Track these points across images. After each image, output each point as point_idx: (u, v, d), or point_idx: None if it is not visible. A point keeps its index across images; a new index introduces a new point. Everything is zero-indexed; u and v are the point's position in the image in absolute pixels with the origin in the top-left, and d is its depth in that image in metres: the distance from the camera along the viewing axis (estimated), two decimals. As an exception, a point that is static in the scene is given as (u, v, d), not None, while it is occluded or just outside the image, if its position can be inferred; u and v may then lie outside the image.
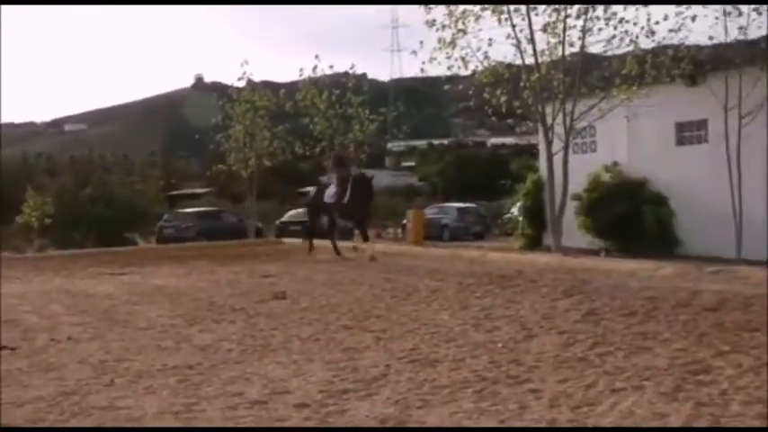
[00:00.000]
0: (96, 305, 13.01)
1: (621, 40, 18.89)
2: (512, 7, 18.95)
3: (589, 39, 19.03)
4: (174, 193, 54.35)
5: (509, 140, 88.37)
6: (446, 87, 24.81)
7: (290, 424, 5.62)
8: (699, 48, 18.46)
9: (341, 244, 20.56)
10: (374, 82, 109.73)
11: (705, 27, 18.20)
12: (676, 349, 7.47)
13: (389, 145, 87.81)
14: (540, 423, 5.43)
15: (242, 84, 31.04)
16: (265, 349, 8.37)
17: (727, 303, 10.01)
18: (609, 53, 19.88)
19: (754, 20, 17.24)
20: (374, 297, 12.07)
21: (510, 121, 20.57)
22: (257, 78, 32.99)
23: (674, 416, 5.47)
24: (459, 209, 37.59)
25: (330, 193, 19.16)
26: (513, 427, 3.00)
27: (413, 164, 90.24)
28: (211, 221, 34.07)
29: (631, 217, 19.90)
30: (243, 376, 7.15)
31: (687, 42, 18.38)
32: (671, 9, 18.16)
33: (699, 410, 5.55)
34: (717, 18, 17.47)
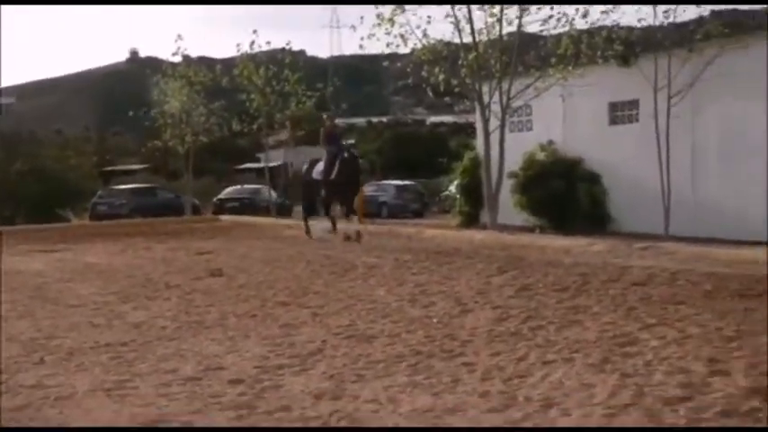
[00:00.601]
0: (26, 283, 12.82)
1: (558, 20, 19.16)
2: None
3: (526, 18, 19.26)
4: (109, 169, 53.65)
5: (447, 119, 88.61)
6: (385, 64, 24.72)
7: (225, 400, 5.63)
8: (630, 29, 18.75)
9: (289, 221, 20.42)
10: (313, 59, 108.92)
11: (635, 9, 18.61)
12: (605, 323, 7.63)
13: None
14: (472, 395, 5.53)
15: (177, 59, 30.73)
16: (200, 326, 8.35)
17: (655, 278, 10.22)
18: (545, 33, 20.14)
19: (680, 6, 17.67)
20: (312, 273, 12.07)
21: (448, 99, 20.63)
22: (194, 54, 32.74)
23: (600, 386, 5.59)
24: (398, 186, 37.65)
25: (318, 170, 18.11)
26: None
27: (352, 141, 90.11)
28: (146, 198, 33.77)
29: (566, 195, 20.18)
30: (177, 353, 7.13)
31: (620, 24, 18.72)
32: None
33: (624, 381, 5.69)
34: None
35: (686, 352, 6.41)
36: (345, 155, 17.44)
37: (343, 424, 5.03)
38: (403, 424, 4.98)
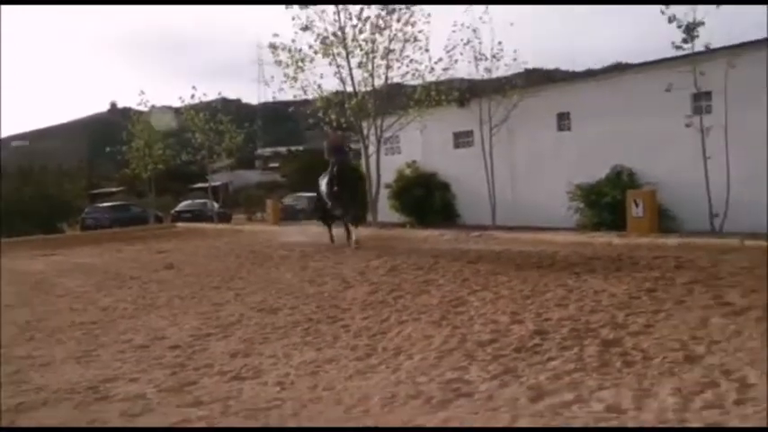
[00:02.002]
0: (29, 279, 12.37)
1: (413, 75, 19.39)
2: (335, 51, 19.04)
3: (391, 73, 19.35)
4: (95, 191, 51.94)
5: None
6: (291, 109, 24.34)
7: (164, 361, 5.54)
8: (462, 81, 19.07)
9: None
10: (247, 105, 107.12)
11: (466, 66, 19.12)
12: (446, 291, 7.71)
13: (259, 151, 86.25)
14: (345, 349, 5.57)
15: (143, 108, 30.23)
16: (152, 307, 8.19)
17: (484, 257, 10.33)
18: (405, 83, 20.29)
19: (494, 63, 18.22)
20: (239, 264, 11.88)
21: (339, 132, 20.51)
22: (159, 103, 32.25)
23: (437, 337, 5.70)
24: (310, 197, 37.11)
25: (324, 182, 14.17)
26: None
27: (277, 165, 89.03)
28: (121, 212, 32.75)
29: (426, 199, 20.30)
30: (133, 328, 7.00)
31: (456, 76, 19.03)
32: (443, 53, 18.91)
33: (453, 332, 5.81)
34: (470, 62, 18.49)
35: (497, 308, 6.58)
36: (335, 169, 13.30)
37: (249, 375, 5.01)
38: (292, 373, 4.99)
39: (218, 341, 6.11)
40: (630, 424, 3.61)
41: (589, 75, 19.80)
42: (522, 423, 3.73)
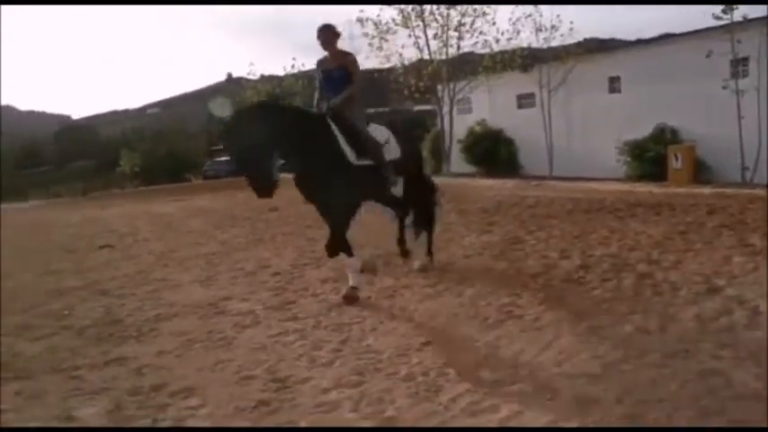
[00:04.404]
0: (162, 219, 13.06)
1: (482, 45, 19.04)
2: (414, 23, 18.85)
3: (462, 43, 19.05)
4: (214, 148, 53.73)
5: (426, 107, 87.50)
6: (375, 75, 24.15)
7: (268, 285, 5.82)
8: (524, 49, 18.42)
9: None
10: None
11: (526, 36, 18.58)
12: (506, 230, 7.71)
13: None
14: (418, 278, 5.67)
15: (252, 77, 31.00)
16: (260, 241, 8.52)
17: (540, 203, 10.25)
18: (475, 52, 19.88)
19: (552, 33, 17.79)
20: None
21: (417, 95, 20.29)
22: (267, 72, 33.11)
23: (496, 268, 5.76)
24: (393, 151, 37.07)
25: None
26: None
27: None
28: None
29: (492, 152, 19.93)
30: (244, 258, 7.32)
31: (519, 45, 18.46)
32: (508, 25, 18.49)
33: (511, 265, 5.83)
34: (530, 32, 17.95)
35: (549, 246, 6.55)
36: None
37: (337, 297, 5.19)
38: (373, 296, 5.17)
39: (313, 270, 6.36)
40: (655, 344, 3.61)
41: (638, 43, 18.66)
42: (563, 342, 3.79)
